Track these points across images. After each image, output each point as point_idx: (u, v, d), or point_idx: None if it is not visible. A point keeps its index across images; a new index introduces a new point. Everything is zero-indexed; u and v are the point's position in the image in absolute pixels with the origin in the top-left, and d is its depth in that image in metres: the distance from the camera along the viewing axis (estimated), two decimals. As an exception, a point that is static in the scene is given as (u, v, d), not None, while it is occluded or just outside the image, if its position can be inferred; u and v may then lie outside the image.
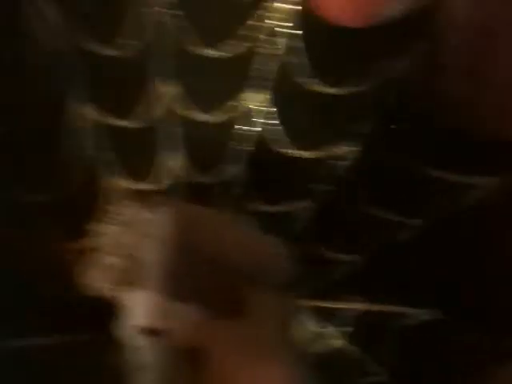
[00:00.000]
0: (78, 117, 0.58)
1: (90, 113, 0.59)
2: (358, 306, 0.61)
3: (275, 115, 0.64)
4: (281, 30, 0.60)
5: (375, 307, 0.60)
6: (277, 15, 0.60)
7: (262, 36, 0.61)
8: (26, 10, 0.52)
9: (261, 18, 0.61)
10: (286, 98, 0.63)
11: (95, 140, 0.60)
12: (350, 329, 0.60)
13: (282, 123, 0.63)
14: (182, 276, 0.43)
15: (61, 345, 0.48)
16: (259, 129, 0.63)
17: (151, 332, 0.42)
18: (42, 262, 0.50)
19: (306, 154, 0.61)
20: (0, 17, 0.50)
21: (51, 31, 0.54)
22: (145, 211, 0.47)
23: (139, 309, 0.44)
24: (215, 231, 0.48)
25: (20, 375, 0.42)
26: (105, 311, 0.55)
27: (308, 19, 0.58)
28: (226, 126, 0.62)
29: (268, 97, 0.63)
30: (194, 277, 0.44)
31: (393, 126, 0.58)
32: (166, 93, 0.64)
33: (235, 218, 0.50)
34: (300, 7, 0.58)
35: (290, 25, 0.59)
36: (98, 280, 0.48)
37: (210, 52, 0.61)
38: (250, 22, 0.61)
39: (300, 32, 0.59)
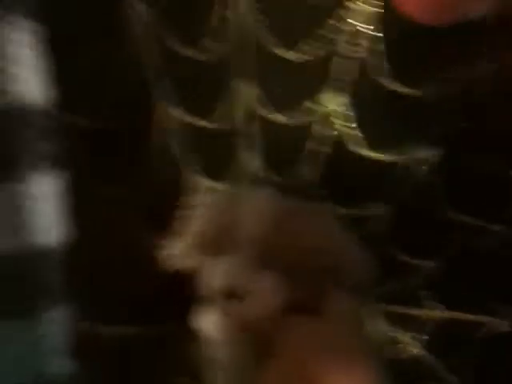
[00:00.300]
0: (165, 117, 0.59)
1: (175, 113, 0.60)
2: (436, 313, 0.59)
3: (353, 118, 0.62)
4: (361, 30, 0.59)
5: (453, 315, 0.59)
6: (357, 17, 0.59)
7: (342, 37, 0.60)
8: (123, 11, 0.52)
9: (341, 20, 0.60)
10: (365, 101, 0.62)
11: (180, 139, 0.61)
12: (426, 336, 0.58)
13: (360, 126, 0.62)
14: (272, 246, 0.43)
15: (140, 335, 0.49)
16: (336, 131, 0.62)
17: (230, 295, 0.42)
18: (130, 251, 0.52)
19: (383, 157, 0.60)
20: (97, 17, 0.52)
21: (144, 32, 0.55)
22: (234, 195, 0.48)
23: (221, 272, 0.44)
24: (307, 223, 0.48)
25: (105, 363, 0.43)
26: (184, 302, 0.56)
27: (389, 19, 0.57)
28: (304, 127, 0.62)
29: (347, 99, 0.62)
30: (284, 254, 0.44)
31: (467, 125, 0.55)
32: (246, 94, 0.63)
33: (327, 215, 0.49)
34: (381, 8, 0.57)
35: (371, 27, 0.58)
36: (182, 251, 0.49)
37: (290, 53, 0.61)
38: (330, 23, 0.60)
39: (380, 34, 0.58)
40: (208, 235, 0.49)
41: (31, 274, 0.36)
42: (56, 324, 0.36)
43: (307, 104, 0.64)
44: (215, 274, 0.47)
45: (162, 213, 0.60)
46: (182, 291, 0.62)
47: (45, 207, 0.36)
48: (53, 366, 0.35)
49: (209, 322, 0.57)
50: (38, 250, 0.36)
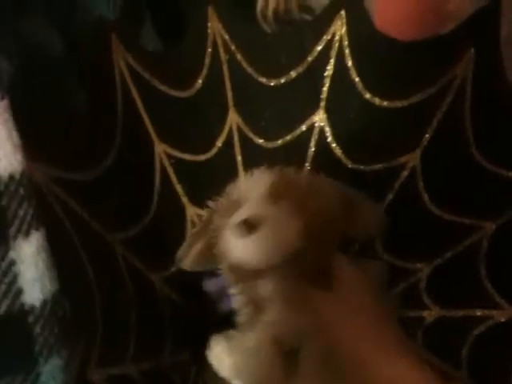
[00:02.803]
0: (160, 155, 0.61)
1: (164, 148, 0.61)
2: (431, 312, 0.60)
3: (330, 135, 0.63)
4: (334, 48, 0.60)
5: (448, 313, 0.60)
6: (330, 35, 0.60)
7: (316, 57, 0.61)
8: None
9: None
10: (343, 115, 0.63)
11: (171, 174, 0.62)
12: (421, 335, 0.59)
13: (338, 140, 0.63)
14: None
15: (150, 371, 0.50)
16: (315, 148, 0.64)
17: (251, 225, 0.44)
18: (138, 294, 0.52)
19: (361, 167, 0.62)
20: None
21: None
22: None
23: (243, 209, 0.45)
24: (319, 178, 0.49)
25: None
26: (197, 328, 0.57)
27: (365, 35, 0.58)
28: (284, 148, 0.64)
29: (323, 116, 0.63)
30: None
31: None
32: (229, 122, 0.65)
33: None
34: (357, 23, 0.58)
35: (345, 43, 0.59)
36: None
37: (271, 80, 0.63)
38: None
39: (354, 49, 0.59)
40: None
41: (23, 332, 0.37)
42: (55, 375, 0.37)
43: (287, 126, 0.66)
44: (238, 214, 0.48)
45: (164, 248, 0.62)
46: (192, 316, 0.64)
47: (30, 267, 0.38)
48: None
49: (221, 357, 0.58)
50: (28, 309, 0.38)
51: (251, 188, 0.51)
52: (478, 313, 0.59)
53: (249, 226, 0.45)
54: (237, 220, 0.47)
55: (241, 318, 0.52)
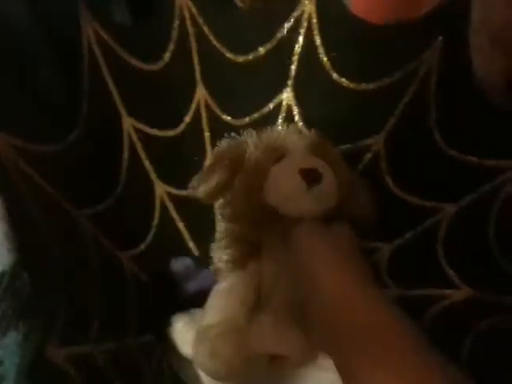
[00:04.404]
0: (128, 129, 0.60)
1: (132, 122, 0.60)
2: (390, 291, 0.62)
3: (297, 113, 0.64)
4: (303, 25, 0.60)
5: (407, 292, 0.61)
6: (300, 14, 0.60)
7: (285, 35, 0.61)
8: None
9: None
10: (310, 95, 0.63)
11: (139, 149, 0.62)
12: None
13: (304, 120, 0.64)
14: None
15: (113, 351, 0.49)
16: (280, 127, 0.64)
17: (312, 176, 0.48)
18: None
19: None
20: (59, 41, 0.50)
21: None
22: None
23: (303, 158, 0.51)
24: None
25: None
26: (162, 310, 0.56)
27: (333, 15, 0.58)
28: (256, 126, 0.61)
29: (291, 94, 0.64)
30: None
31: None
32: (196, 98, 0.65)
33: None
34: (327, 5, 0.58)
35: (315, 22, 0.59)
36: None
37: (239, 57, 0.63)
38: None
39: (324, 29, 0.59)
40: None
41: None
42: (13, 349, 0.36)
43: (256, 103, 0.66)
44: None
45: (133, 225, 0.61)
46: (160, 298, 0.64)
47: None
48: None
49: (183, 335, 0.59)
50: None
51: (292, 142, 0.52)
52: (436, 292, 0.60)
53: (316, 175, 0.48)
54: (299, 164, 0.49)
55: (224, 258, 0.54)
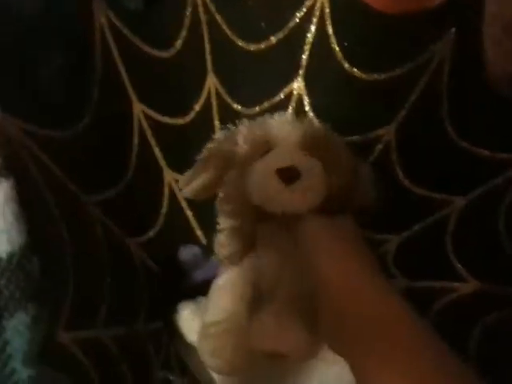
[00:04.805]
0: (139, 115, 0.60)
1: (142, 108, 0.60)
2: (398, 283, 0.62)
3: (307, 103, 0.64)
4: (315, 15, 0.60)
5: (414, 283, 0.61)
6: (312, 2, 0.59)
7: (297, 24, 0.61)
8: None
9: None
10: (320, 85, 0.63)
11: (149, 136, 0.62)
12: None
13: (314, 110, 0.64)
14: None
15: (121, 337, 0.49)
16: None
17: (290, 175, 0.45)
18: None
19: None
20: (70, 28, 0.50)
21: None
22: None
23: (281, 155, 0.45)
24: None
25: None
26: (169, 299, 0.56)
27: (346, 5, 0.58)
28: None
29: (302, 84, 0.63)
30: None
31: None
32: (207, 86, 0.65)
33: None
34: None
35: (327, 12, 0.59)
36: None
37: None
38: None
39: (337, 18, 0.59)
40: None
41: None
42: (21, 331, 0.36)
43: (267, 93, 0.66)
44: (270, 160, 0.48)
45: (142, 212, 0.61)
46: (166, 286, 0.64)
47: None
48: (18, 373, 0.36)
49: (189, 323, 0.60)
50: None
51: (282, 134, 0.51)
52: (443, 285, 0.60)
53: (292, 174, 0.46)
54: (277, 163, 0.47)
55: (223, 253, 0.54)
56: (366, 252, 0.46)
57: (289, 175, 0.46)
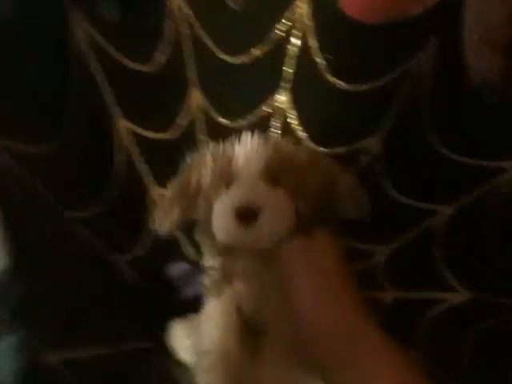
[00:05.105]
0: (121, 131, 0.59)
1: (125, 124, 0.59)
2: (388, 294, 0.62)
3: (293, 115, 0.63)
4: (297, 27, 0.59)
5: (405, 295, 0.61)
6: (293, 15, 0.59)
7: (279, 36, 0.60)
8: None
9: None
10: (307, 97, 0.63)
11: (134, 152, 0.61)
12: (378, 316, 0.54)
13: (299, 122, 0.63)
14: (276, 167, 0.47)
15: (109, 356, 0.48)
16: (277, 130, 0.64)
17: (247, 215, 0.41)
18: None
19: (324, 150, 0.62)
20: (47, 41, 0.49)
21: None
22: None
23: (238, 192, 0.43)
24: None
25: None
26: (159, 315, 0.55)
27: (327, 16, 0.58)
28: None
29: (286, 97, 0.63)
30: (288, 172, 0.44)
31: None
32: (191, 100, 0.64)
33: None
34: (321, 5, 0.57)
35: (308, 24, 0.59)
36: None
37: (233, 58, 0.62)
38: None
39: (318, 30, 0.58)
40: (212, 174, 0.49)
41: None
42: (8, 355, 0.36)
43: (252, 106, 0.65)
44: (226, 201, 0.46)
45: (125, 229, 0.60)
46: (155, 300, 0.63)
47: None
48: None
49: (181, 341, 0.59)
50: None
51: (245, 164, 0.48)
52: (433, 295, 0.60)
53: (250, 214, 0.44)
54: (234, 203, 0.45)
55: (208, 285, 0.53)
56: (340, 269, 0.45)
57: (247, 215, 0.44)
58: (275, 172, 0.47)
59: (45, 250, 0.41)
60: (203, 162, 0.50)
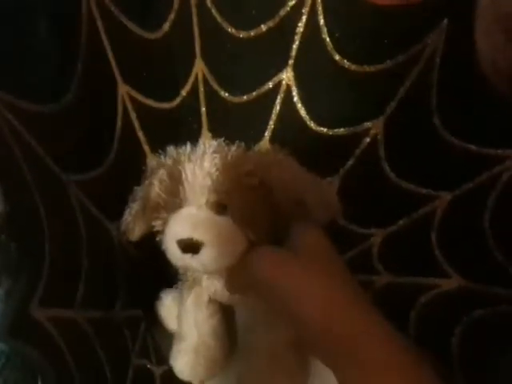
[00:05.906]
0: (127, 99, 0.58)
1: (127, 90, 0.59)
2: (381, 277, 0.62)
3: (296, 94, 0.62)
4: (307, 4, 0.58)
5: (398, 279, 0.62)
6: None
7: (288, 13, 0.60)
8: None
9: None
10: (310, 76, 0.62)
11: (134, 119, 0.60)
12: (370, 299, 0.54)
13: (304, 101, 0.62)
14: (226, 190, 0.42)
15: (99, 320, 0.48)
16: (278, 107, 0.64)
17: (191, 246, 0.42)
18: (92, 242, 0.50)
19: (325, 130, 0.62)
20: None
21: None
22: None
23: (180, 223, 0.44)
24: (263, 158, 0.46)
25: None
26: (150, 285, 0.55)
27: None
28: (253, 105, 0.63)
29: (291, 74, 0.62)
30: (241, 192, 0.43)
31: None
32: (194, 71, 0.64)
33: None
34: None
35: (319, 1, 0.58)
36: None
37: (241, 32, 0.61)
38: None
39: (329, 8, 0.58)
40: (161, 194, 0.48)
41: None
42: None
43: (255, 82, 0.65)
44: (174, 228, 0.46)
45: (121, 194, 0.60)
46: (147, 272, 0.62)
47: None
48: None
49: (170, 311, 0.59)
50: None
51: (193, 185, 0.46)
52: (427, 280, 0.60)
53: (193, 245, 0.44)
54: (177, 236, 0.45)
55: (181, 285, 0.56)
56: (335, 278, 0.44)
57: (190, 246, 0.44)
58: (222, 200, 0.45)
59: (36, 208, 0.40)
60: (155, 177, 0.49)
